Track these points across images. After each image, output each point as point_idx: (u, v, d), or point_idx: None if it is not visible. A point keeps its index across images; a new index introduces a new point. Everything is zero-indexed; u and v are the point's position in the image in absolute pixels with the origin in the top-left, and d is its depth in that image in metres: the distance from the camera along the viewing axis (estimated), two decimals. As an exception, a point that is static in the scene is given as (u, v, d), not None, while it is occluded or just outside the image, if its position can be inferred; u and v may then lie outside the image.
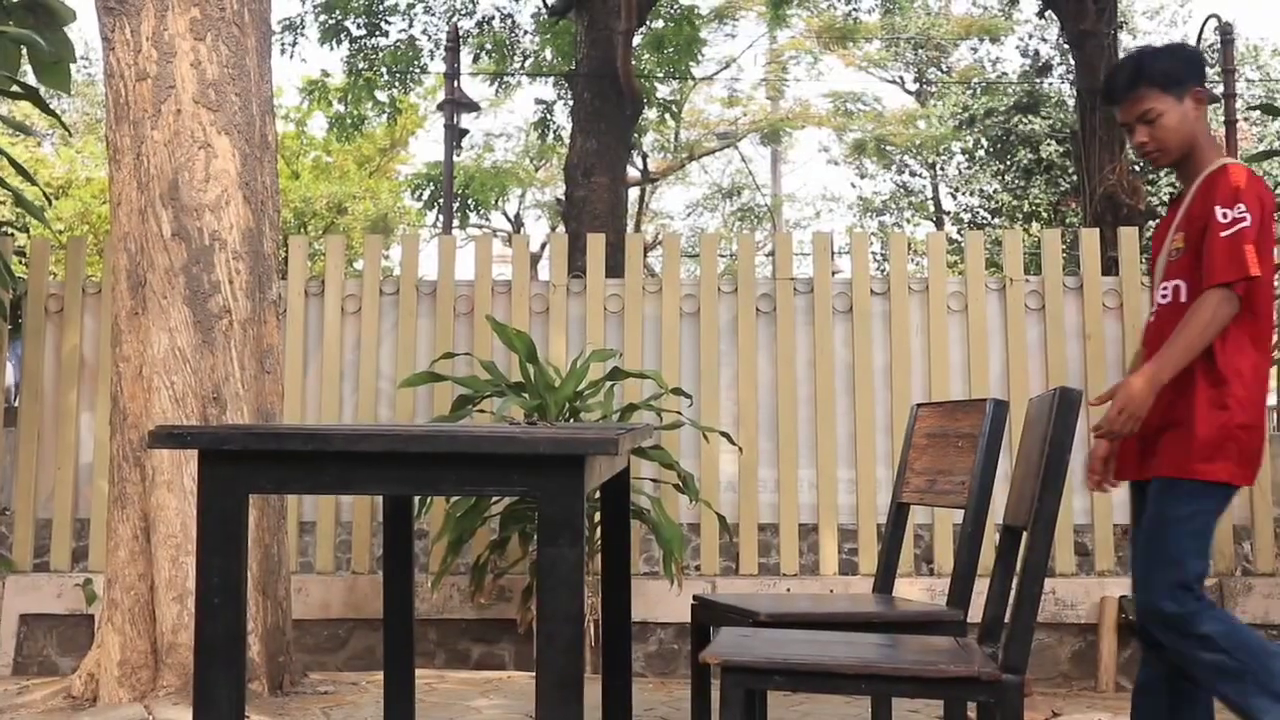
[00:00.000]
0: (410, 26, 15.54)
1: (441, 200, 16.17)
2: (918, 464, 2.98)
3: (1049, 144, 22.40)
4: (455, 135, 15.46)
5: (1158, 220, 18.15)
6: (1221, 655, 2.76)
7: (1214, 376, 2.91)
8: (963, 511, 2.90)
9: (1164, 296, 3.08)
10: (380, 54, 14.99)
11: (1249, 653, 2.77)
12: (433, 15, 15.96)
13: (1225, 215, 2.91)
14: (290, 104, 21.51)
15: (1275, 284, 3.13)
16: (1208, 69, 3.12)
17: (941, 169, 27.41)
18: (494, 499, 5.20)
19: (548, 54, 15.58)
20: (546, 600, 1.97)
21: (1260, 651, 2.79)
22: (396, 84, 15.48)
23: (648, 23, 13.66)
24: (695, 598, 2.96)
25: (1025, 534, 2.27)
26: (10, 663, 5.71)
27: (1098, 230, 6.34)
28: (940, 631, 2.61)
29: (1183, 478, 2.89)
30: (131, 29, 4.49)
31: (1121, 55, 3.18)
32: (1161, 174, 22.52)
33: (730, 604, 2.90)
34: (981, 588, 2.71)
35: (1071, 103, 19.26)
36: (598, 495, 3.15)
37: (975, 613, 3.25)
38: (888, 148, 25.70)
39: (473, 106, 16.16)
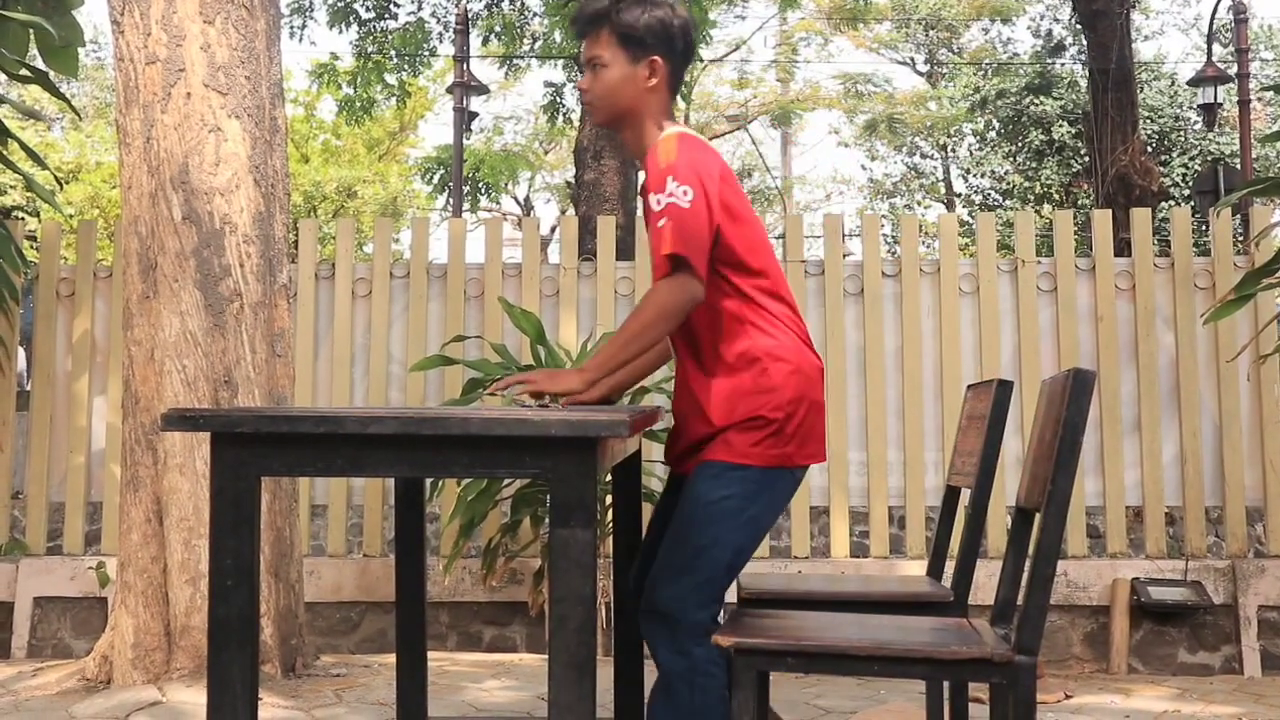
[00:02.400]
0: (419, 9, 15.49)
1: (451, 184, 16.15)
2: (963, 446, 2.96)
3: (1061, 125, 22.30)
4: (465, 118, 15.44)
5: (1172, 202, 17.98)
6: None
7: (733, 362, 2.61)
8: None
9: None
10: (389, 37, 14.94)
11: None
12: (442, -2, 15.91)
13: (659, 202, 2.54)
14: (299, 87, 21.53)
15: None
16: (685, 49, 2.76)
17: (953, 151, 27.31)
18: (505, 482, 5.20)
19: (557, 36, 15.51)
20: (559, 582, 1.96)
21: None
22: (406, 67, 15.44)
23: (657, 4, 13.61)
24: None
25: (1038, 515, 2.26)
26: (25, 645, 5.74)
27: (1110, 212, 6.31)
28: (929, 611, 2.59)
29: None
30: (140, 12, 4.48)
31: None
32: (1174, 155, 22.41)
33: (748, 587, 2.90)
34: (991, 570, 2.69)
35: (1084, 84, 19.15)
36: (609, 478, 3.15)
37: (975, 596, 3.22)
38: (898, 129, 25.61)
39: (482, 89, 16.13)
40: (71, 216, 16.65)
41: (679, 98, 16.21)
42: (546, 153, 25.87)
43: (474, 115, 16.30)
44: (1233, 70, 15.21)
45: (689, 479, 2.62)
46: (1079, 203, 19.94)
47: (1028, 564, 2.22)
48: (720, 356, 2.61)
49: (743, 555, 2.56)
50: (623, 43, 2.72)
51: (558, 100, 15.91)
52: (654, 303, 2.52)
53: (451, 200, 16.38)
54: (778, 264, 2.73)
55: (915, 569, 5.45)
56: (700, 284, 2.52)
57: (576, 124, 13.90)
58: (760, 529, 2.58)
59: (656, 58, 2.72)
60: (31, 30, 5.37)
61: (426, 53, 15.58)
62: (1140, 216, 6.13)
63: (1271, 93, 23.39)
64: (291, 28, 15.07)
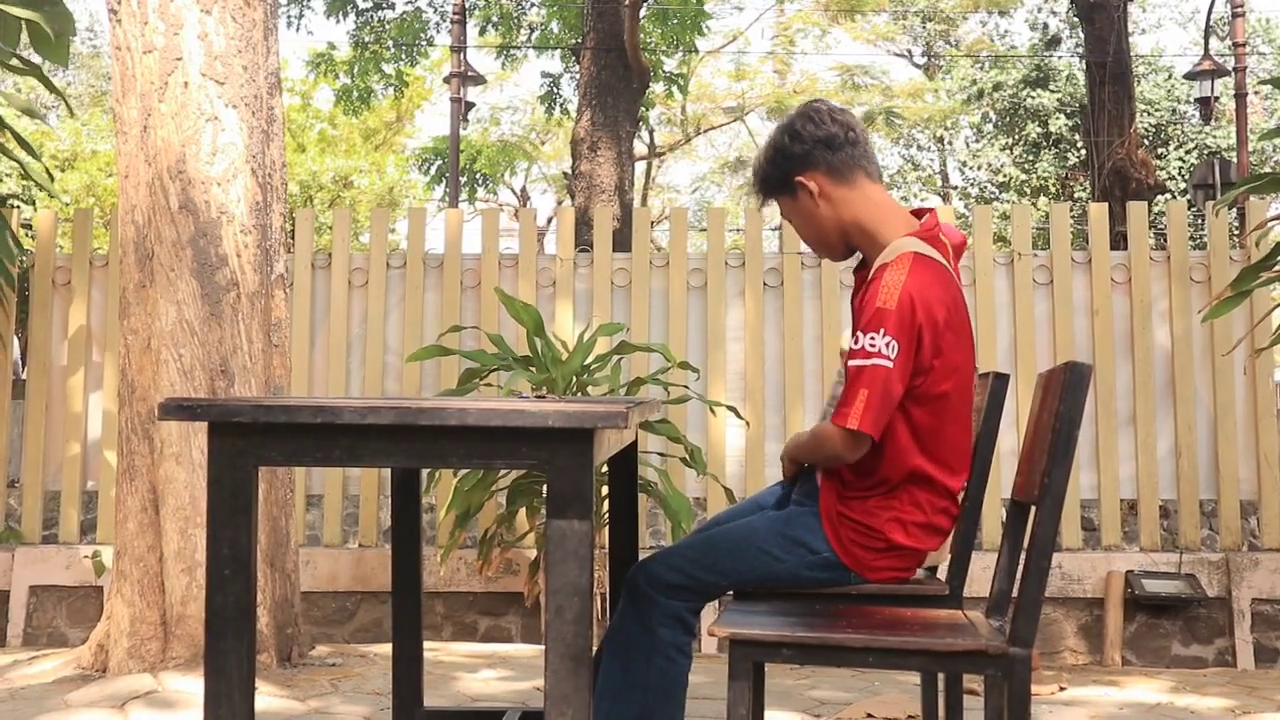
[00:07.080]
0: (416, -1, 15.49)
1: (448, 174, 16.15)
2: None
3: (1058, 118, 22.32)
4: (462, 109, 15.42)
5: (1168, 195, 17.99)
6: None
7: None
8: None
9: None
10: (387, 27, 14.93)
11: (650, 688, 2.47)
12: (439, -13, 15.89)
13: (856, 341, 2.43)
14: (296, 77, 21.48)
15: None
16: (819, 141, 2.55)
17: (949, 143, 27.34)
18: (502, 472, 5.21)
19: (554, 27, 15.51)
20: (555, 573, 1.97)
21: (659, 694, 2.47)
22: (403, 57, 15.42)
23: (655, -5, 13.60)
24: None
25: (1033, 508, 2.27)
26: (20, 634, 5.74)
27: (1106, 205, 6.32)
28: (924, 603, 2.59)
29: None
30: (138, 1, 4.47)
31: None
32: (1171, 149, 22.43)
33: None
34: (986, 562, 2.69)
35: (1081, 77, 19.16)
36: (605, 469, 3.15)
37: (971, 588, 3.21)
38: (895, 122, 25.60)
39: (479, 80, 16.10)
40: (67, 205, 16.61)
41: (675, 90, 16.15)
42: (543, 144, 25.84)
43: (471, 106, 16.28)
44: (1230, 64, 15.22)
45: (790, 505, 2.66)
46: (1075, 196, 19.95)
47: (1023, 556, 2.22)
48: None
49: (744, 583, 2.55)
50: (780, 191, 2.64)
51: (554, 91, 15.90)
52: (829, 450, 2.47)
53: (448, 191, 16.39)
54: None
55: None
56: (868, 448, 2.46)
57: (573, 115, 13.89)
58: (773, 581, 2.56)
59: (800, 178, 2.58)
60: (23, 21, 5.34)
61: (424, 43, 15.57)
62: (1137, 210, 6.14)
63: (1269, 87, 23.40)
64: (289, 17, 15.06)
